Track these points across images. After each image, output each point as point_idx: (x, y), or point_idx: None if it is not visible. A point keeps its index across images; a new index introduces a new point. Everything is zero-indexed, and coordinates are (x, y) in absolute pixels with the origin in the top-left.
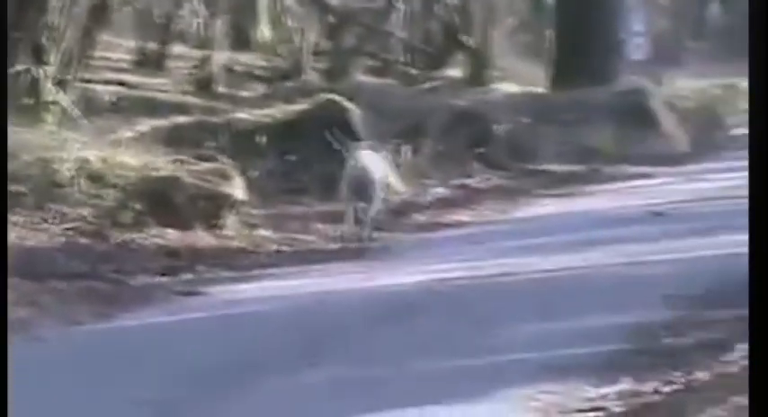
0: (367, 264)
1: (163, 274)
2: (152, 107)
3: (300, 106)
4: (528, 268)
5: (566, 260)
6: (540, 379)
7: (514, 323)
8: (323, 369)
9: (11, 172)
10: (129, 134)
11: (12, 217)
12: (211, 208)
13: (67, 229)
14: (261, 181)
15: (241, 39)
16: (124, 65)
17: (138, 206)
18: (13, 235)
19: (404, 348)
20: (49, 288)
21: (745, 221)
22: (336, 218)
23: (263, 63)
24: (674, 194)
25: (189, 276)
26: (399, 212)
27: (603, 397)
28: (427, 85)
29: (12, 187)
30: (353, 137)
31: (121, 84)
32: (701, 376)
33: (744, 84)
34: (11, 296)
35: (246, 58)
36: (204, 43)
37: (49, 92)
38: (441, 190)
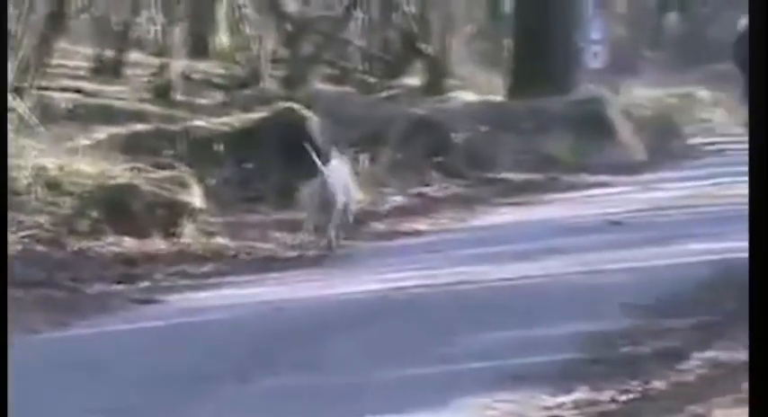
0: (325, 272)
1: (120, 282)
2: (109, 114)
3: (258, 114)
4: (485, 276)
5: (523, 268)
6: (496, 388)
7: (471, 332)
8: (279, 378)
9: None
10: (86, 141)
11: None
12: (169, 215)
13: (24, 237)
14: (219, 188)
15: (199, 47)
16: (81, 72)
17: (95, 214)
18: None
19: (360, 356)
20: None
21: (702, 230)
22: (294, 227)
23: (221, 71)
24: (632, 203)
25: (146, 284)
26: (357, 220)
27: (560, 406)
28: (385, 94)
29: None
30: (312, 145)
31: (78, 91)
32: (658, 385)
33: (700, 92)
34: None
35: (204, 66)
36: (162, 51)
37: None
38: (398, 199)
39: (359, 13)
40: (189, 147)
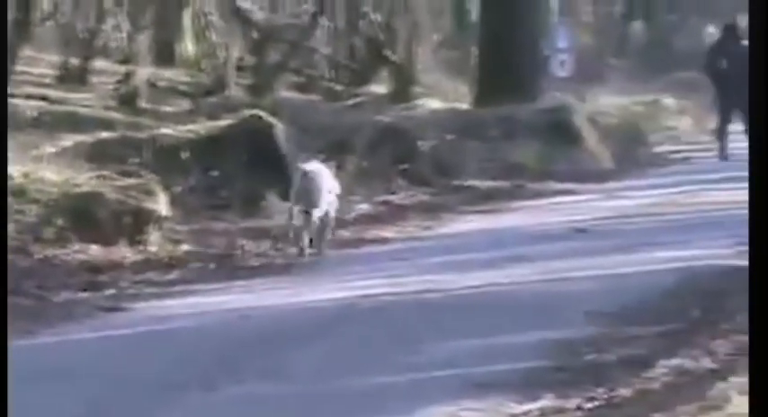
0: (291, 280)
1: (86, 290)
2: (75, 122)
3: (224, 122)
4: (451, 284)
5: (489, 276)
6: (463, 396)
7: (438, 340)
8: (245, 386)
9: None
10: (51, 149)
11: None
12: (135, 223)
13: None
14: (185, 196)
15: (165, 55)
16: (47, 80)
17: (60, 221)
18: None
19: (327, 364)
20: None
21: (667, 238)
22: (260, 234)
23: (187, 78)
24: (598, 211)
25: (112, 292)
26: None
27: (526, 414)
28: (351, 101)
29: None
30: (277, 153)
31: (44, 98)
32: (624, 392)
33: (666, 100)
34: None
35: (170, 74)
36: (128, 58)
37: None
38: (365, 207)
39: (325, 21)
40: (155, 155)
